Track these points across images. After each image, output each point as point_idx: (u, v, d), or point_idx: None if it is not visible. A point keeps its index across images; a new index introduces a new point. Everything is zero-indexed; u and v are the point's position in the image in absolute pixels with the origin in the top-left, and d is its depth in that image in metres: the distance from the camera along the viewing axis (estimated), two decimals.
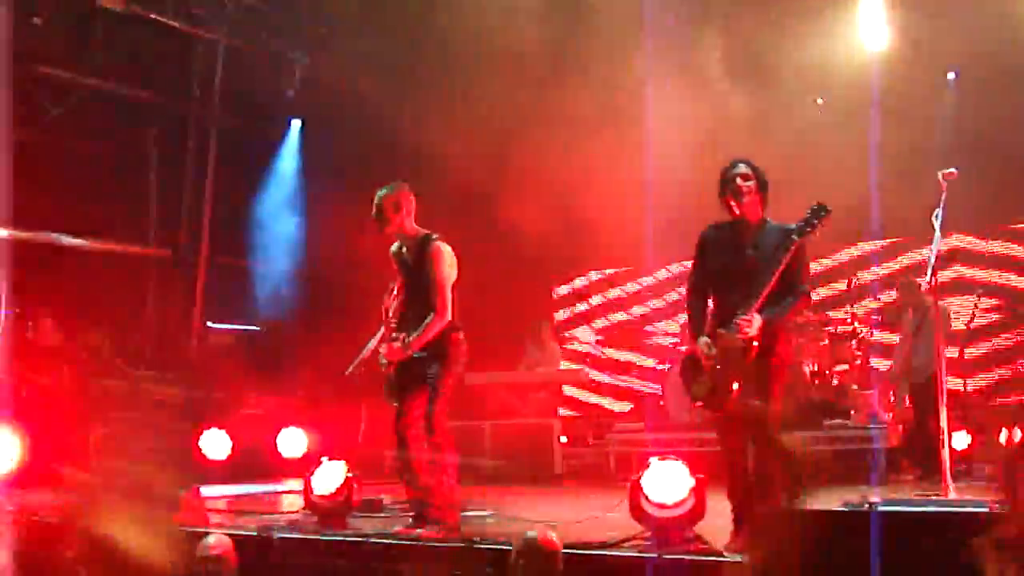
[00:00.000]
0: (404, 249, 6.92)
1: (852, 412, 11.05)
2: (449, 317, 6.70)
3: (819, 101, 13.65)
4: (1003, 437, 10.48)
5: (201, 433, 11.47)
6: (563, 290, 16.42)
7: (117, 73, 13.14)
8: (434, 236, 6.79)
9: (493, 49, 12.66)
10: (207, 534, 5.70)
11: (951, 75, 13.17)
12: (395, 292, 6.92)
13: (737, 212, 5.92)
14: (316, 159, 15.15)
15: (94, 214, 13.10)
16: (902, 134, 11.78)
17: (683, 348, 12.28)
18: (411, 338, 6.65)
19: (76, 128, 13.09)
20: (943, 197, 6.76)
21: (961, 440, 10.56)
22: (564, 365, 14.01)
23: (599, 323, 16.17)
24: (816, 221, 5.73)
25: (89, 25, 12.55)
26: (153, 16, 12.95)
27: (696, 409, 10.70)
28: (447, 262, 6.72)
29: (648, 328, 15.39)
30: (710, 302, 6.09)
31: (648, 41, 12.53)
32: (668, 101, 13.23)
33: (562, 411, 12.97)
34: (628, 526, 5.96)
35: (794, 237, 5.71)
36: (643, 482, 5.83)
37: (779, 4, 12.72)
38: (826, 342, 11.87)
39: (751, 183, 5.90)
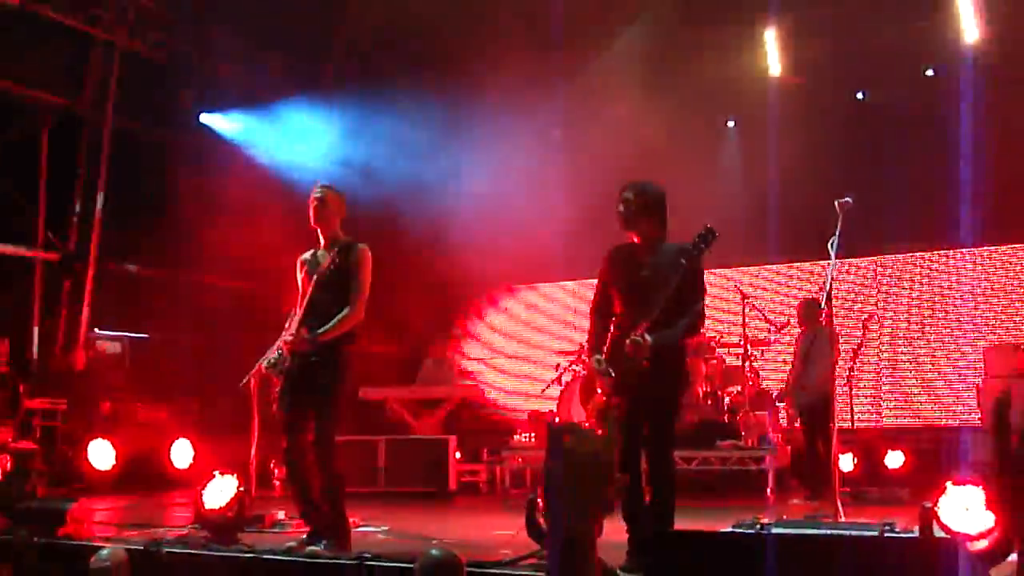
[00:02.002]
0: (320, 254, 6.84)
1: (743, 433, 11.23)
2: (362, 317, 6.68)
3: (730, 124, 13.93)
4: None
5: (88, 443, 11.20)
6: (461, 305, 16.41)
7: (9, 71, 12.76)
8: (360, 242, 6.76)
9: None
10: (100, 548, 5.55)
11: (860, 95, 13.49)
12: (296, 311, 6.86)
13: (637, 238, 6.01)
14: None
15: None
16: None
17: (578, 366, 12.38)
18: (321, 331, 6.57)
19: None
20: (839, 224, 6.93)
21: (847, 462, 10.83)
22: (460, 381, 14.00)
23: (496, 338, 16.21)
24: (704, 245, 5.80)
25: None
26: (50, 15, 12.62)
27: (591, 426, 10.88)
28: (369, 268, 6.72)
29: (545, 344, 15.47)
30: (611, 322, 6.14)
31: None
32: (579, 115, 13.40)
33: (457, 427, 12.92)
34: (525, 543, 5.95)
35: (683, 260, 5.77)
36: (540, 499, 5.81)
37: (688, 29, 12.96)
38: (716, 363, 12.09)
39: (636, 206, 5.98)
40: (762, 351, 12.83)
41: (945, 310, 13.35)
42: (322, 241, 6.87)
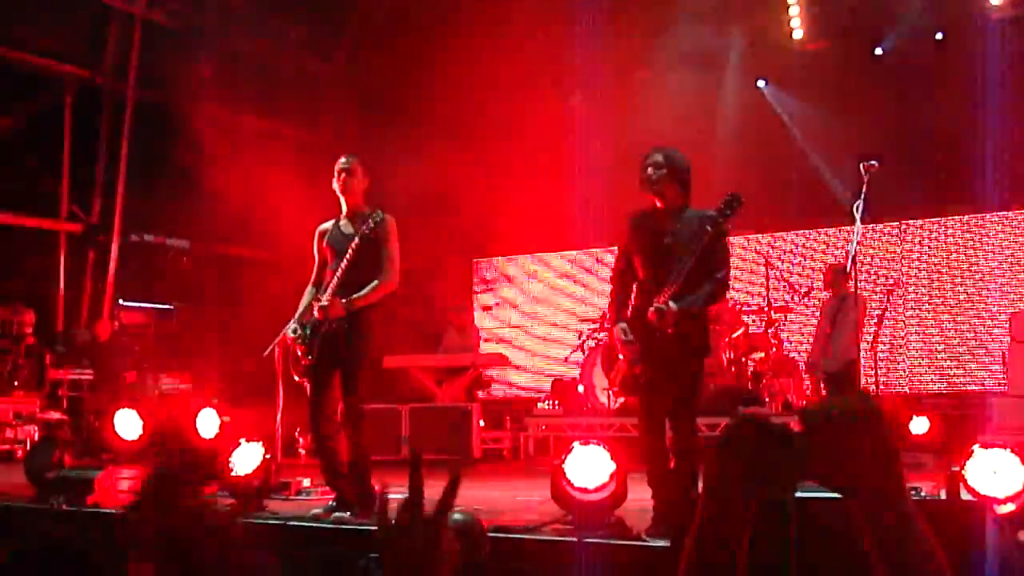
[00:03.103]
0: (343, 224, 6.89)
1: (766, 399, 11.20)
2: (396, 286, 6.80)
3: (760, 84, 13.81)
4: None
5: (114, 414, 11.25)
6: (486, 273, 16.42)
7: (31, 44, 12.78)
8: (385, 212, 6.80)
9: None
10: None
11: (879, 50, 13.31)
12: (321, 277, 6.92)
13: (659, 204, 5.96)
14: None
15: (3, 186, 12.78)
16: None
17: (602, 334, 12.36)
18: (356, 296, 6.62)
19: None
20: (864, 188, 6.88)
21: None
22: (484, 348, 14.01)
23: (520, 305, 16.21)
24: (729, 211, 5.75)
25: None
26: None
27: (614, 395, 10.89)
28: (397, 236, 6.82)
29: (568, 310, 15.46)
30: (633, 289, 6.12)
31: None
32: (599, 81, 13.34)
33: (481, 395, 12.95)
34: (549, 510, 5.97)
35: (707, 227, 5.72)
36: (565, 466, 5.83)
37: None
38: (742, 330, 12.03)
39: (663, 172, 5.92)
40: (785, 317, 12.77)
41: (971, 275, 13.23)
42: (344, 211, 6.90)
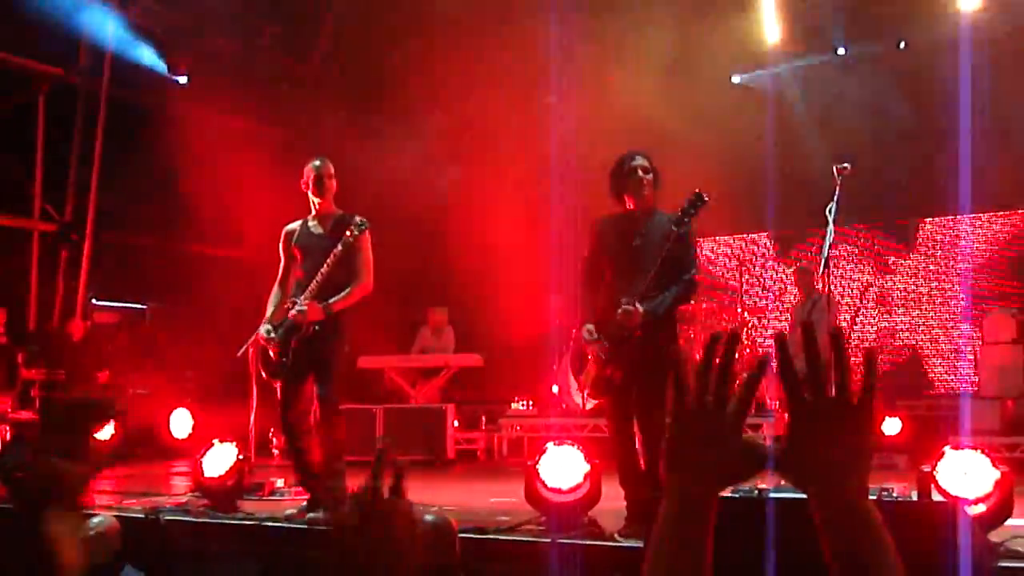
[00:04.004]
0: (312, 225, 6.90)
1: None
2: (371, 288, 6.82)
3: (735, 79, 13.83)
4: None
5: None
6: (459, 273, 16.37)
7: (4, 42, 12.69)
8: (356, 215, 6.82)
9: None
10: (92, 515, 5.54)
11: (841, 50, 13.34)
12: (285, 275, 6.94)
13: (632, 205, 5.97)
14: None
15: None
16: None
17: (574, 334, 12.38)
18: (333, 300, 6.63)
19: None
20: (837, 191, 6.91)
21: None
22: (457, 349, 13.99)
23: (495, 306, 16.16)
24: (693, 211, 5.78)
25: None
26: None
27: (582, 395, 10.90)
28: (369, 240, 6.84)
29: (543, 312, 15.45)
30: (601, 290, 6.13)
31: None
32: (574, 82, 13.36)
33: (455, 395, 12.94)
34: (523, 510, 5.98)
35: (673, 227, 5.74)
36: (539, 467, 5.84)
37: None
38: (713, 331, 12.06)
39: (650, 176, 5.95)
40: (759, 319, 12.84)
41: (943, 277, 13.33)
42: (314, 212, 6.91)
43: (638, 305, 5.69)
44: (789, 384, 1.55)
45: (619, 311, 5.71)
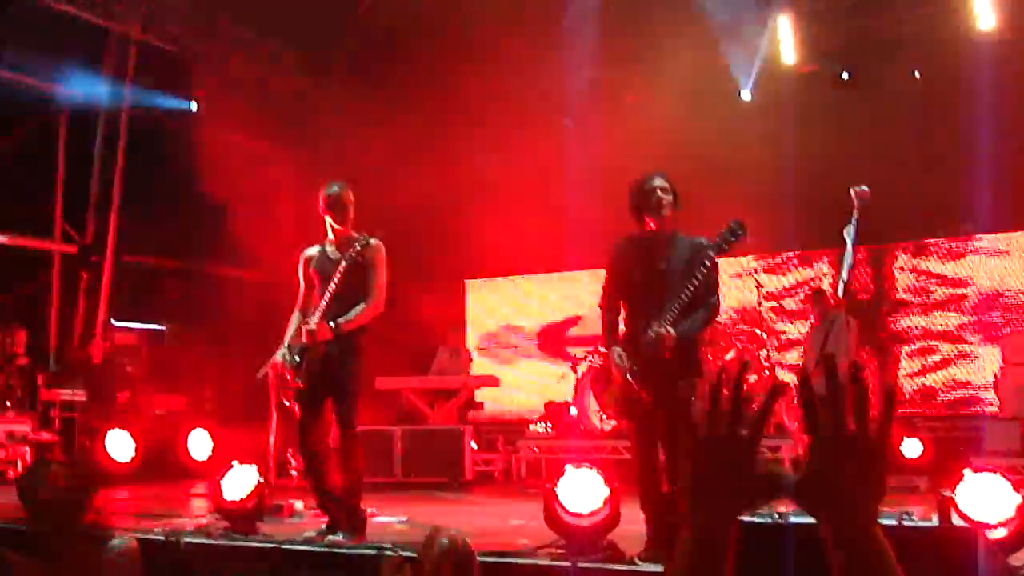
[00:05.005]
0: (329, 249, 6.92)
1: None
2: (382, 309, 6.83)
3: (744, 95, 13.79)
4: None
5: (105, 434, 11.24)
6: (476, 295, 16.42)
7: (26, 64, 12.81)
8: (373, 237, 6.83)
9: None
10: (112, 537, 5.56)
11: (845, 75, 13.35)
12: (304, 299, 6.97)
13: (653, 226, 5.96)
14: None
15: None
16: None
17: (595, 357, 12.38)
18: (342, 320, 6.64)
19: None
20: (855, 213, 6.89)
21: None
22: (475, 370, 14.02)
23: (511, 327, 16.20)
24: (733, 240, 5.77)
25: None
26: (65, 8, 12.65)
27: (607, 417, 10.91)
28: (385, 261, 6.86)
29: (559, 333, 15.47)
30: (622, 313, 6.13)
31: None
32: (584, 107, 13.40)
33: (472, 416, 12.95)
34: (542, 533, 5.98)
35: (711, 253, 5.74)
36: (558, 490, 5.84)
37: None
38: (733, 352, 12.06)
39: (670, 197, 5.95)
40: (778, 340, 12.81)
41: (963, 297, 13.27)
42: (331, 236, 6.93)
43: (670, 329, 5.67)
44: (809, 417, 1.58)
45: (650, 334, 5.69)
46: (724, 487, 1.58)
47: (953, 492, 5.13)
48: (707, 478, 1.58)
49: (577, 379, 12.61)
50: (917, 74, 12.76)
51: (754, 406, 1.64)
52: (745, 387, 1.64)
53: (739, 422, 1.60)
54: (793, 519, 4.54)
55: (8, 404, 12.18)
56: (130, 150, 13.98)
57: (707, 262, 5.70)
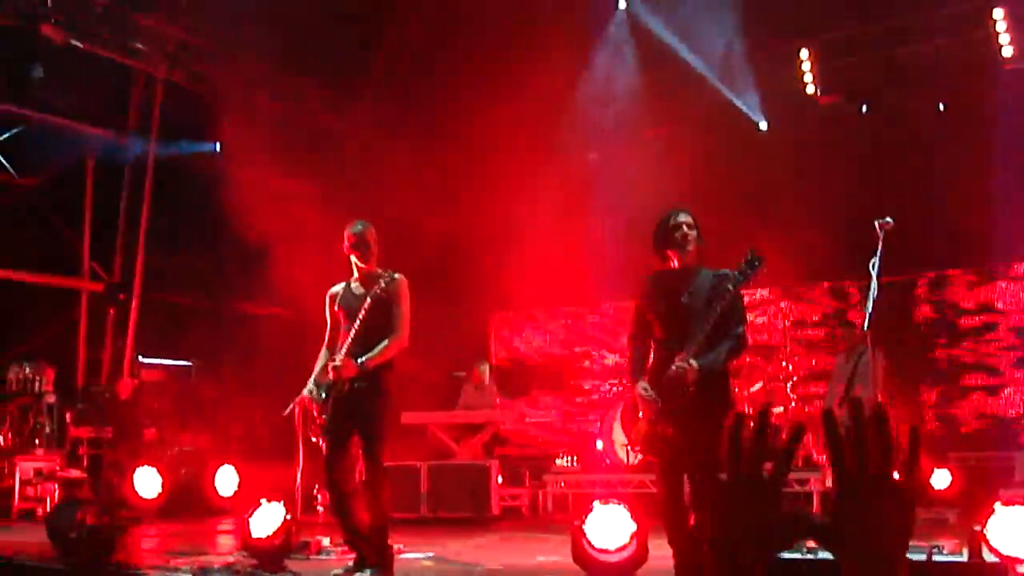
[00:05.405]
0: (354, 287, 6.96)
1: None
2: (406, 344, 6.83)
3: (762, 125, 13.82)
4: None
5: (134, 471, 11.30)
6: (501, 329, 16.44)
7: (55, 105, 12.99)
8: (398, 273, 6.87)
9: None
10: (141, 574, 5.60)
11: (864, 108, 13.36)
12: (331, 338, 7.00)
13: (677, 263, 5.98)
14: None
15: (26, 245, 12.95)
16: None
17: (621, 391, 12.38)
18: (367, 356, 6.67)
19: (12, 159, 12.97)
20: (879, 245, 6.89)
21: None
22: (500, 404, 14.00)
23: (536, 361, 16.20)
24: (751, 271, 5.77)
25: (29, 59, 12.37)
26: (92, 49, 12.81)
27: (633, 452, 10.87)
28: (408, 297, 6.89)
29: (584, 367, 15.46)
30: (650, 347, 6.13)
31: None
32: (608, 142, 13.45)
33: (499, 451, 12.93)
34: (569, 569, 5.96)
35: (729, 286, 5.74)
36: (585, 527, 5.83)
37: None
38: (760, 384, 12.02)
39: (694, 232, 5.96)
40: (804, 372, 12.77)
41: (992, 327, 13.17)
42: (356, 274, 6.98)
43: (692, 362, 5.67)
44: (834, 459, 1.58)
45: (674, 368, 5.69)
46: (748, 529, 1.58)
47: (983, 526, 5.09)
48: (731, 526, 1.58)
49: (603, 413, 12.60)
50: (942, 106, 12.74)
51: (777, 445, 1.65)
52: (769, 426, 1.64)
53: (762, 463, 1.60)
54: (823, 554, 4.52)
55: (37, 441, 12.26)
56: (157, 188, 14.11)
57: (727, 293, 5.70)
